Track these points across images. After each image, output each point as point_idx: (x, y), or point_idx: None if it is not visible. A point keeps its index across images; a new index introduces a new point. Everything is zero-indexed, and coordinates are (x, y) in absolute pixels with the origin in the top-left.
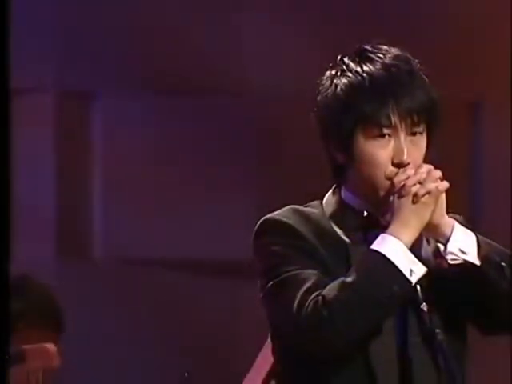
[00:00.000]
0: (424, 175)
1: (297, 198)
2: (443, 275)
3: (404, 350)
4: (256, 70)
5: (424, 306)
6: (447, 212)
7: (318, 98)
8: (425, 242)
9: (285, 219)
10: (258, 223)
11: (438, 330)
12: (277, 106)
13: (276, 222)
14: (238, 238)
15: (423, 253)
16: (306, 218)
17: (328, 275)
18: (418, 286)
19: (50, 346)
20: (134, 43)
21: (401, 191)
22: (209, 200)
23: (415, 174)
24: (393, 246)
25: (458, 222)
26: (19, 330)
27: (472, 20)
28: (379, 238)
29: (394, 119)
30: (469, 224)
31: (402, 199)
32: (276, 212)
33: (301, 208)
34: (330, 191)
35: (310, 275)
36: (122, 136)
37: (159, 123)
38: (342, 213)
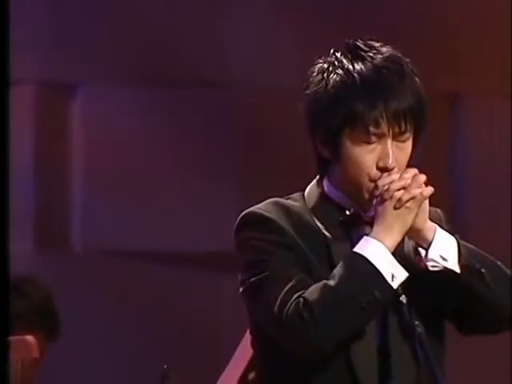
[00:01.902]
0: (409, 180)
1: (281, 190)
2: (424, 276)
3: (383, 342)
4: (240, 62)
5: (403, 299)
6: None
7: (308, 90)
8: (406, 238)
9: (266, 213)
10: (240, 217)
11: (417, 323)
12: (261, 99)
13: (257, 216)
14: (222, 230)
15: (405, 249)
16: (288, 211)
17: (309, 271)
18: None
19: (30, 338)
20: (115, 35)
21: (384, 195)
22: (191, 192)
23: (400, 178)
24: (376, 250)
25: (438, 217)
26: (18, 330)
27: (451, 13)
28: (362, 241)
29: (383, 125)
30: (447, 218)
31: (386, 203)
32: (258, 205)
33: (282, 201)
34: (313, 182)
35: (292, 274)
36: (103, 127)
37: (140, 115)
38: (324, 207)
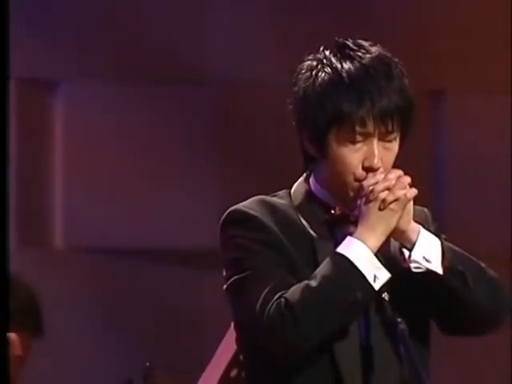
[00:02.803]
0: (393, 182)
1: (266, 187)
2: (408, 277)
3: (367, 340)
4: (218, 58)
5: (386, 296)
6: (414, 204)
7: (296, 87)
8: (391, 241)
9: (251, 211)
10: (225, 214)
11: (399, 320)
12: (239, 95)
13: (242, 214)
14: (207, 227)
15: (391, 249)
16: (273, 209)
17: (293, 269)
18: None
19: (12, 335)
20: (96, 32)
21: (369, 196)
22: (171, 188)
23: (384, 179)
24: (358, 251)
25: (424, 216)
26: None
27: (434, 9)
28: (346, 241)
29: (369, 125)
30: (433, 217)
31: (370, 204)
32: (243, 203)
33: (268, 198)
34: (300, 180)
35: (275, 274)
36: (84, 124)
37: (121, 112)
38: (309, 205)
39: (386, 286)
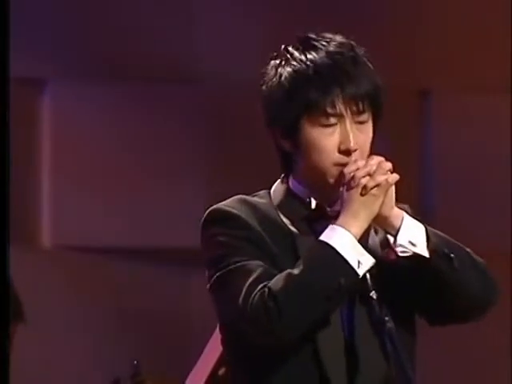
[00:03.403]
0: (374, 167)
1: (251, 186)
2: (393, 265)
3: (351, 339)
4: (207, 57)
5: (373, 294)
6: (396, 199)
7: (263, 87)
8: (372, 233)
9: (232, 209)
10: (206, 213)
11: (387, 318)
12: (229, 94)
13: (224, 212)
14: (194, 226)
15: (371, 243)
16: (254, 208)
17: (275, 266)
18: (368, 275)
19: None
20: (84, 31)
21: (350, 183)
22: (159, 188)
23: (365, 165)
24: (341, 238)
25: (406, 212)
26: None
27: (420, 9)
28: (328, 229)
29: (339, 106)
30: (415, 213)
31: (352, 191)
32: (224, 202)
33: (248, 198)
34: (279, 180)
35: (257, 266)
36: (72, 124)
37: (109, 111)
38: (289, 203)
39: (372, 284)
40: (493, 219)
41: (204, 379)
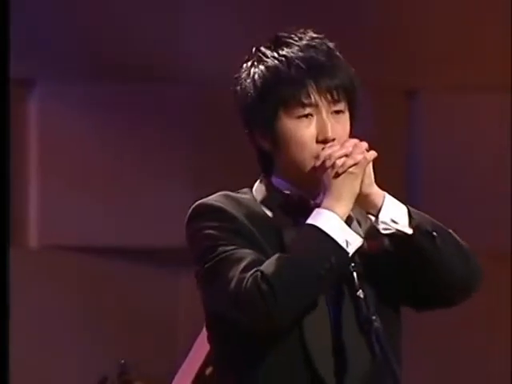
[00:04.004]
0: (350, 148)
1: (237, 186)
2: (377, 255)
3: (339, 337)
4: (192, 57)
5: (360, 293)
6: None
7: (237, 89)
8: (356, 224)
9: (217, 203)
10: (191, 208)
11: (374, 317)
12: (214, 93)
13: (209, 206)
14: (176, 225)
15: (356, 227)
16: (238, 202)
17: (263, 256)
18: (355, 274)
19: None
20: (70, 31)
21: (327, 163)
22: (145, 187)
23: (342, 147)
24: (328, 219)
25: None
26: None
27: (408, 9)
28: (314, 213)
29: (314, 96)
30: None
31: (331, 173)
32: (208, 197)
33: (232, 193)
34: (258, 181)
35: (247, 254)
36: (58, 123)
37: (96, 111)
38: (272, 197)
39: (359, 282)
40: (479, 219)
41: (191, 379)
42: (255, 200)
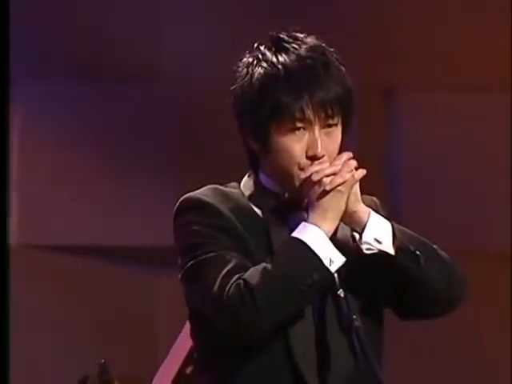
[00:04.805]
0: (339, 166)
1: (221, 184)
2: (361, 262)
3: (322, 336)
4: (172, 56)
5: (341, 293)
6: (363, 193)
7: (235, 85)
8: (342, 225)
9: (205, 198)
10: (179, 202)
11: (354, 317)
12: (195, 92)
13: (196, 201)
14: (155, 224)
15: (340, 236)
16: (226, 196)
17: (248, 254)
18: (336, 274)
19: None
20: (51, 30)
21: (316, 182)
22: (125, 186)
23: (331, 165)
24: (314, 235)
25: (375, 205)
26: None
27: (386, 8)
28: (301, 226)
29: (308, 112)
30: (384, 206)
31: (319, 189)
32: (196, 191)
33: (221, 187)
34: (246, 176)
35: (231, 257)
36: (38, 123)
37: (77, 110)
38: (260, 194)
39: (340, 282)
40: (460, 218)
41: (171, 378)
42: (243, 195)
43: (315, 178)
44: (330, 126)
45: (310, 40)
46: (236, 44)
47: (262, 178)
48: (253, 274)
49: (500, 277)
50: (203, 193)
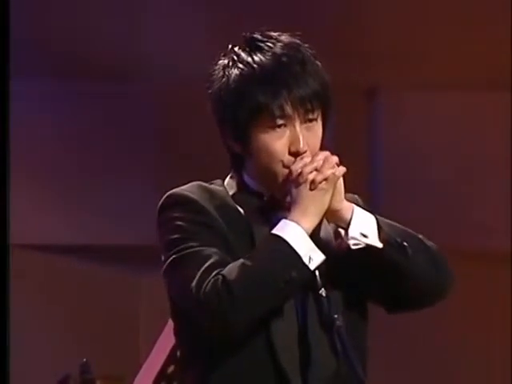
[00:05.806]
0: (321, 162)
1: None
2: (344, 259)
3: (304, 335)
4: (153, 56)
5: (323, 292)
6: (345, 192)
7: (211, 89)
8: (325, 223)
9: (190, 194)
10: (164, 197)
11: (336, 316)
12: (175, 92)
13: (181, 197)
14: (138, 223)
15: (323, 234)
16: (211, 193)
17: (230, 252)
18: (317, 272)
19: None
20: (43, 30)
21: (298, 179)
22: (107, 186)
23: (312, 161)
24: (294, 232)
25: (356, 203)
26: None
27: (367, 7)
28: (281, 223)
29: (288, 109)
30: (367, 204)
31: (300, 187)
32: (181, 187)
33: (206, 184)
34: (228, 177)
35: (212, 253)
36: (27, 122)
37: (58, 110)
38: (243, 194)
39: (323, 280)
40: (442, 217)
41: (153, 377)
42: (227, 193)
43: (298, 177)
44: (310, 120)
45: (285, 37)
46: (221, 42)
47: (247, 179)
48: (231, 269)
49: (500, 277)
50: (188, 189)
